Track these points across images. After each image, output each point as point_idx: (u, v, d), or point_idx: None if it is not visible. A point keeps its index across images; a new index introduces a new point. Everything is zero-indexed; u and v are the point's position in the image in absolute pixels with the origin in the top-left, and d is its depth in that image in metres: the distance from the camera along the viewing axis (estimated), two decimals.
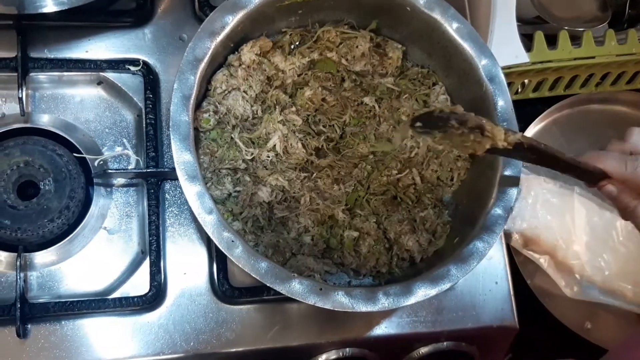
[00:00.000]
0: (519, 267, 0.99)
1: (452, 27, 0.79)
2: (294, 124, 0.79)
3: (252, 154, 0.77)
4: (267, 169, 0.77)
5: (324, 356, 0.80)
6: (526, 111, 1.09)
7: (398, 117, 0.82)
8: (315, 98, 0.80)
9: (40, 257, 0.77)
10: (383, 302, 0.68)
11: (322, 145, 0.80)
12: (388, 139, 0.81)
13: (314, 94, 0.80)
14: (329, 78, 0.82)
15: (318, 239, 0.77)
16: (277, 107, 0.79)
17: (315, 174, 0.78)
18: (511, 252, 0.97)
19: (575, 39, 0.99)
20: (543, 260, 1.00)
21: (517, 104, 0.81)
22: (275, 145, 0.77)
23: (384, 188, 0.80)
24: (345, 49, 0.83)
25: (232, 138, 0.76)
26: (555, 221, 1.01)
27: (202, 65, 0.72)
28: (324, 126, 0.81)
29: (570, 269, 1.00)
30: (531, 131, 1.08)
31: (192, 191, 0.67)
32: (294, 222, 0.76)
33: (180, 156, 0.68)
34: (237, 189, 0.75)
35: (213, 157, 0.75)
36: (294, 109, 0.80)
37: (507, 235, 0.98)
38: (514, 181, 0.75)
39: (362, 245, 0.77)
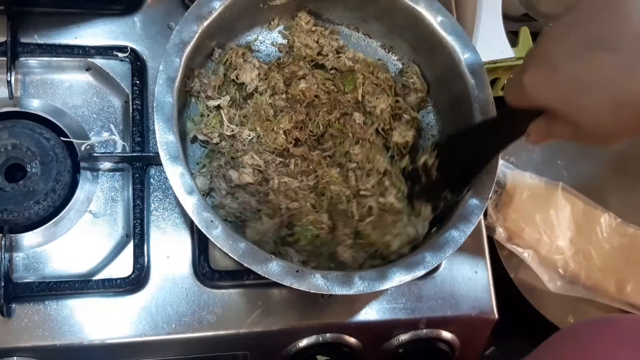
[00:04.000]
0: (503, 261, 1.00)
1: (436, 20, 0.80)
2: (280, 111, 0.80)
3: (232, 130, 0.78)
4: (243, 150, 0.78)
5: (304, 341, 0.81)
6: None
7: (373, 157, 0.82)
8: (309, 92, 0.81)
9: (26, 239, 0.78)
10: (358, 286, 0.69)
11: (303, 138, 0.81)
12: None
13: (308, 88, 0.82)
14: (331, 80, 0.84)
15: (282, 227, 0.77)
16: (268, 90, 0.81)
17: (288, 160, 0.80)
18: (493, 243, 0.98)
19: None
20: (527, 255, 1.00)
21: (503, 100, 0.82)
22: (257, 127, 0.78)
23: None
24: (370, 87, 0.84)
25: (219, 107, 0.78)
26: (540, 216, 1.02)
27: (188, 48, 0.73)
28: (309, 120, 0.82)
29: (553, 264, 1.00)
30: None
31: (174, 171, 0.68)
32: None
33: (163, 136, 0.69)
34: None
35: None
36: (284, 96, 0.81)
37: (491, 229, 0.99)
38: (492, 172, 0.76)
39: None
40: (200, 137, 0.78)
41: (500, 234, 1.00)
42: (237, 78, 0.80)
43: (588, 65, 0.56)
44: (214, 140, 0.78)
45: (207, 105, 0.79)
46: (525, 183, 1.03)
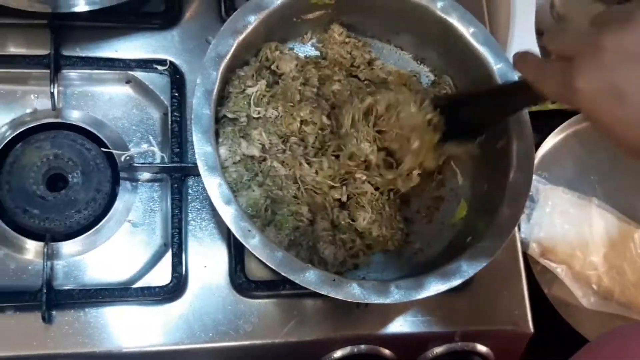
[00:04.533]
0: (536, 276, 1.00)
1: (468, 32, 0.81)
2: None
3: (258, 112, 0.79)
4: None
5: (339, 352, 0.81)
6: (545, 123, 1.09)
7: None
8: (340, 95, 0.82)
9: (67, 247, 0.80)
10: (395, 295, 0.69)
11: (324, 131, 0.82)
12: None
13: (340, 92, 0.82)
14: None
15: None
16: (301, 78, 0.82)
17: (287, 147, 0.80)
18: (527, 257, 0.98)
19: None
20: (560, 270, 1.00)
21: (535, 115, 0.82)
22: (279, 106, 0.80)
23: None
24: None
25: (244, 87, 0.79)
26: (573, 231, 1.01)
27: (225, 61, 0.74)
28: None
29: (587, 280, 1.00)
30: (550, 143, 1.09)
31: (212, 182, 0.69)
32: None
33: (201, 148, 0.70)
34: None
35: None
36: (314, 89, 0.82)
37: (525, 244, 0.99)
38: (527, 182, 0.77)
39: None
40: (229, 115, 0.78)
41: (533, 249, 1.00)
42: (277, 68, 0.82)
43: None
44: (242, 120, 0.79)
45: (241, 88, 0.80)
46: (559, 198, 1.03)
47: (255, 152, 0.78)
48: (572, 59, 0.51)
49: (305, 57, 0.86)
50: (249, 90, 0.79)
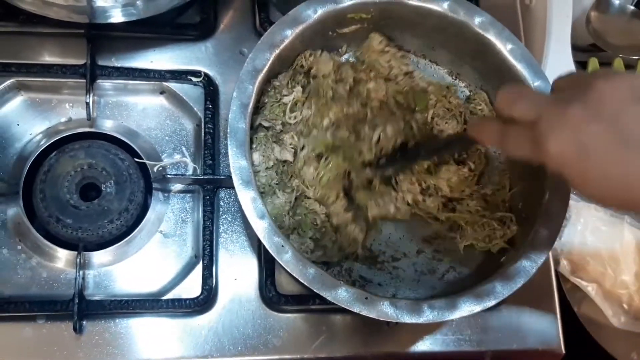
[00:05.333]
0: (567, 294, 0.98)
1: (506, 48, 0.80)
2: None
3: (295, 117, 0.79)
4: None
5: None
6: None
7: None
8: (375, 94, 0.82)
9: (98, 257, 0.80)
10: (428, 315, 0.68)
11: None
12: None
13: (375, 90, 0.82)
14: (402, 94, 0.84)
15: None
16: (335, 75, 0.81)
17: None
18: (559, 278, 0.96)
19: (630, 67, 0.99)
20: (591, 288, 0.99)
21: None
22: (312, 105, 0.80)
23: None
24: (441, 110, 0.84)
25: (279, 97, 0.79)
26: (604, 249, 1.00)
27: (261, 75, 0.74)
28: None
29: (618, 299, 0.98)
30: None
31: (246, 196, 0.69)
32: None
33: (236, 161, 0.70)
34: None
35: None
36: (347, 87, 0.81)
37: (555, 261, 0.97)
38: (563, 203, 0.76)
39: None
40: (265, 123, 0.78)
41: (564, 266, 0.99)
42: (316, 71, 0.81)
43: None
44: (277, 128, 0.79)
45: (277, 98, 0.80)
46: (591, 215, 1.02)
47: (288, 156, 0.78)
48: (537, 123, 0.55)
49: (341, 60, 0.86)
50: (286, 99, 0.79)
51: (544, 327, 0.85)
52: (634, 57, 1.01)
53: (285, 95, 0.79)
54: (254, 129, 0.78)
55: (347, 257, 0.78)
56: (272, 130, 0.79)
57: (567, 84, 0.59)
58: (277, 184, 0.77)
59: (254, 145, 0.77)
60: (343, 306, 0.67)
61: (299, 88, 0.80)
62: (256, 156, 0.76)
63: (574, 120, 0.53)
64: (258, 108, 0.78)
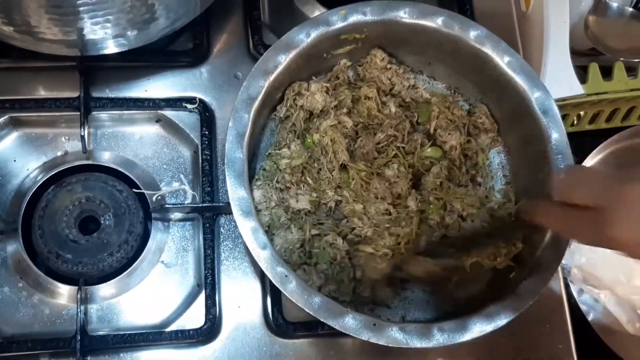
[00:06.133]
0: (578, 302, 0.97)
1: (503, 61, 0.79)
2: (345, 127, 0.80)
3: (291, 182, 0.78)
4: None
5: None
6: (583, 144, 1.07)
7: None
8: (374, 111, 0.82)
9: (100, 291, 0.79)
10: (438, 338, 0.67)
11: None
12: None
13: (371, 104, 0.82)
14: (404, 107, 0.84)
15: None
16: (333, 110, 0.80)
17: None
18: (569, 288, 0.95)
19: (631, 70, 0.98)
20: (603, 296, 0.98)
21: (573, 136, 0.80)
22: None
23: None
24: (444, 121, 0.83)
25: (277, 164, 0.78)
26: (615, 255, 0.99)
27: (256, 103, 0.73)
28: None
29: (632, 305, 0.97)
30: (588, 163, 1.06)
31: (246, 226, 0.68)
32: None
33: (235, 192, 0.69)
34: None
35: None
36: (345, 110, 0.81)
37: (566, 270, 0.96)
38: None
39: None
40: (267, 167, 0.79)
41: (575, 274, 0.98)
42: (308, 105, 0.80)
43: None
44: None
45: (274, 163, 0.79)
46: None
47: (306, 205, 0.77)
48: (601, 209, 0.55)
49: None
50: (282, 163, 0.79)
51: (556, 341, 0.84)
52: (635, 60, 0.99)
53: (282, 159, 0.79)
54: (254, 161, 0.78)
55: (357, 299, 0.76)
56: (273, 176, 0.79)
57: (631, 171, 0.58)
58: (290, 219, 0.76)
59: (257, 182, 0.77)
60: (351, 334, 0.66)
61: (293, 149, 0.79)
62: (257, 194, 0.76)
63: (636, 203, 0.53)
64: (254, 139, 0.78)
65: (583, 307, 0.97)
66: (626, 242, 0.53)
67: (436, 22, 0.79)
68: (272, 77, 0.74)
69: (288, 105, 0.80)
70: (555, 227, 0.65)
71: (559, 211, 0.62)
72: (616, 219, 0.53)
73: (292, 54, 0.75)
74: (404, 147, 0.80)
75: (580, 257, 0.98)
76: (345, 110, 0.80)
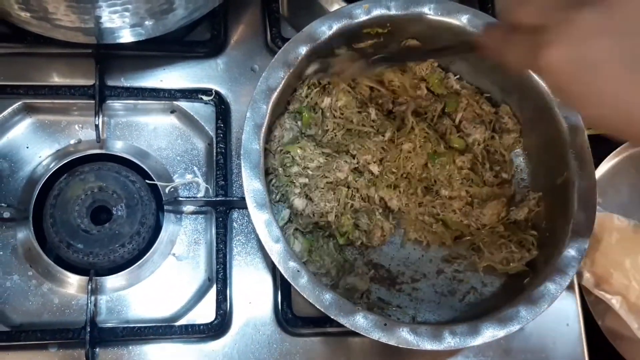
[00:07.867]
0: (590, 307, 0.96)
1: None
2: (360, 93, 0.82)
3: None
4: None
5: None
6: (600, 147, 1.05)
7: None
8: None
9: (110, 282, 0.78)
10: (449, 341, 0.66)
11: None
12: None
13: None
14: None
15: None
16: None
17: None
18: (582, 292, 0.94)
19: None
20: (615, 301, 0.96)
21: (591, 139, 0.79)
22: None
23: None
24: (471, 114, 0.83)
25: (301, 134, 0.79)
26: (629, 260, 0.97)
27: (275, 95, 0.72)
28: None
29: None
30: (605, 167, 1.05)
31: (260, 219, 0.67)
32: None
33: (250, 184, 0.68)
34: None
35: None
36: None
37: (578, 275, 0.95)
38: (589, 223, 0.73)
39: None
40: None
41: (587, 279, 0.96)
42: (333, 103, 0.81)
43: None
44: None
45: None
46: (613, 226, 0.99)
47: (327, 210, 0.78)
48: (543, 30, 0.50)
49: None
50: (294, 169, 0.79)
51: (568, 348, 0.83)
52: None
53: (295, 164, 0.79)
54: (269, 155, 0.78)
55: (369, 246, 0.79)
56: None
57: None
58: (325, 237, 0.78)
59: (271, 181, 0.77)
60: (361, 333, 0.65)
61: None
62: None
63: (584, 29, 0.48)
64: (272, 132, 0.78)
65: (594, 313, 0.96)
66: (562, 66, 0.49)
67: (461, 20, 0.77)
68: (292, 69, 0.73)
69: (310, 83, 0.80)
70: (494, 47, 0.57)
71: (503, 32, 0.56)
72: (554, 40, 0.49)
73: (313, 45, 0.74)
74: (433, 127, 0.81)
75: (593, 262, 0.97)
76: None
